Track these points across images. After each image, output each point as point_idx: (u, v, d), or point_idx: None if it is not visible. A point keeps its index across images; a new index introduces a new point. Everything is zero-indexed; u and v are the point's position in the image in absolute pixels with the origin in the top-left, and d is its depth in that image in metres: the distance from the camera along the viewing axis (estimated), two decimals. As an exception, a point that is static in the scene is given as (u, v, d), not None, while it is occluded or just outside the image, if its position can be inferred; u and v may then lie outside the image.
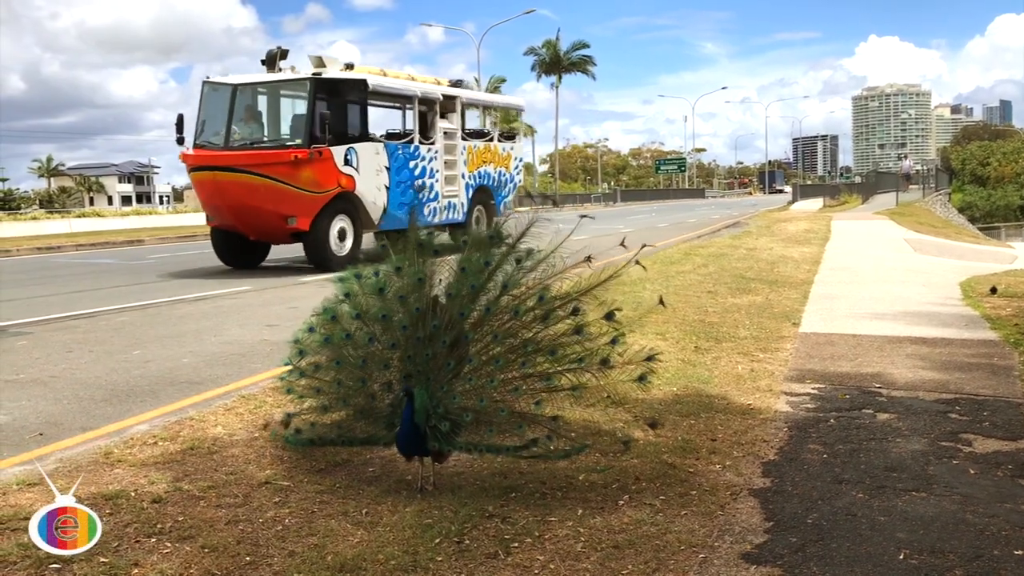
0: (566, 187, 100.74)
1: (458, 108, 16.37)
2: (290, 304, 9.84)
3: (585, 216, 3.85)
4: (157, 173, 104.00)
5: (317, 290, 11.42)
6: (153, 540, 3.09)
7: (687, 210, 42.95)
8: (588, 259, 3.64)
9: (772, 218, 27.24)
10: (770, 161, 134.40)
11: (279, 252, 15.50)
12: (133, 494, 3.53)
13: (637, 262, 3.81)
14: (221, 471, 3.85)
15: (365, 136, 13.99)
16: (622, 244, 3.87)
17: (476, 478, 3.75)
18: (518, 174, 18.77)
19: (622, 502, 3.44)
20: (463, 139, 16.47)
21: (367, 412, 3.64)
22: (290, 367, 3.90)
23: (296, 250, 14.64)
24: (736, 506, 3.43)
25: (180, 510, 3.37)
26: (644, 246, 3.81)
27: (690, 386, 5.32)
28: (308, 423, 3.85)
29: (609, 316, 3.65)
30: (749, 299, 9.10)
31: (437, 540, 3.08)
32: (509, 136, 18.76)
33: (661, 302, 4.86)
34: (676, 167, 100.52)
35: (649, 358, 3.73)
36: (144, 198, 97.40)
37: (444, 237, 3.59)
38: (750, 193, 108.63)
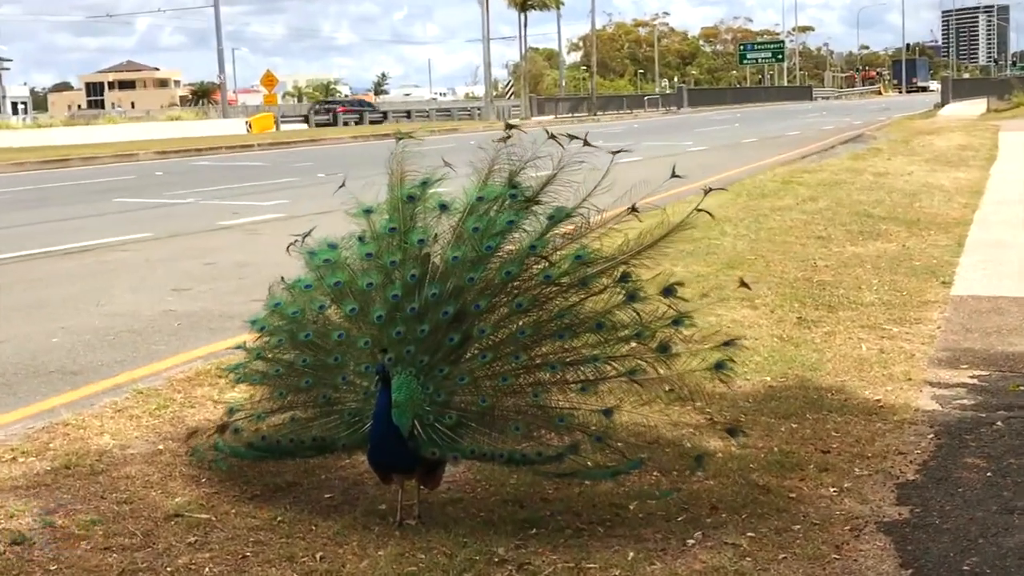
0: (608, 85, 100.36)
1: None
2: (206, 259, 9.86)
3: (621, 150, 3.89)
4: (7, 69, 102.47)
5: (244, 238, 11.45)
6: (15, 597, 3.13)
7: (786, 118, 42.69)
8: (633, 209, 3.75)
9: (912, 129, 27.03)
10: (908, 45, 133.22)
11: (198, 180, 14.77)
12: (-16, 532, 3.57)
13: (700, 210, 3.81)
14: (111, 499, 3.88)
15: None
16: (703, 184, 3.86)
17: (480, 508, 3.78)
18: None
19: (692, 542, 3.46)
20: None
21: (334, 404, 3.75)
22: (243, 350, 4.08)
23: (228, 175, 13.78)
24: (859, 547, 3.44)
25: (52, 555, 3.40)
26: (709, 190, 3.87)
27: (790, 374, 5.33)
28: (254, 415, 3.97)
29: (668, 292, 3.75)
30: (878, 247, 9.08)
31: (424, 596, 3.11)
32: None
33: (743, 284, 4.70)
34: (770, 55, 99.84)
35: (728, 343, 3.79)
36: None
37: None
38: (879, 92, 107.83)
